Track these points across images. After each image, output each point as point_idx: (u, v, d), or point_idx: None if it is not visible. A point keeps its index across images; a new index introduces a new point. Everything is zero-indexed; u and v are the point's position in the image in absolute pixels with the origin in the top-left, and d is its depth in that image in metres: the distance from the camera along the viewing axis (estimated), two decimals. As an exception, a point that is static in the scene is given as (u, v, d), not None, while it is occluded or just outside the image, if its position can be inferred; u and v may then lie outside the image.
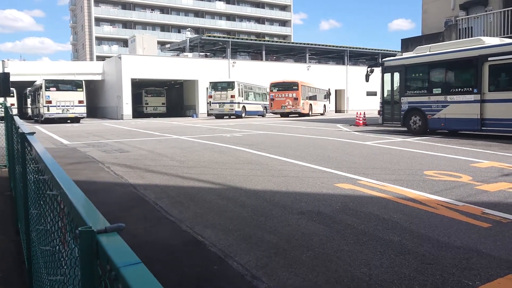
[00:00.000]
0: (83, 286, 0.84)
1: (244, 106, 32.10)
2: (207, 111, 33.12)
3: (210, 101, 31.87)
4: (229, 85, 31.41)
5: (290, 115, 33.35)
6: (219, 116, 32.20)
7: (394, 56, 16.78)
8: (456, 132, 14.63)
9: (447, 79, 14.05)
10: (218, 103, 31.37)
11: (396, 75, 15.67)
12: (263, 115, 35.77)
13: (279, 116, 33.98)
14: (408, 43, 21.33)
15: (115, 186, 6.59)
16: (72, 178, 5.63)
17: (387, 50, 49.98)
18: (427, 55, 14.47)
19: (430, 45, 15.13)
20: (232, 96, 30.89)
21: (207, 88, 33.32)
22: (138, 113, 38.59)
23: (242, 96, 31.91)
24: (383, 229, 4.24)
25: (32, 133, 2.44)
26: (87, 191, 6.24)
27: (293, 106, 32.13)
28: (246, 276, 3.24)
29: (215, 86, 31.86)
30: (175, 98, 44.54)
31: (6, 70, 11.25)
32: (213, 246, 3.86)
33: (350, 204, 5.17)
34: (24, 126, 3.08)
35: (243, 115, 31.97)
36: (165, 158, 9.27)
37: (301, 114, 32.79)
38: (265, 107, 36.21)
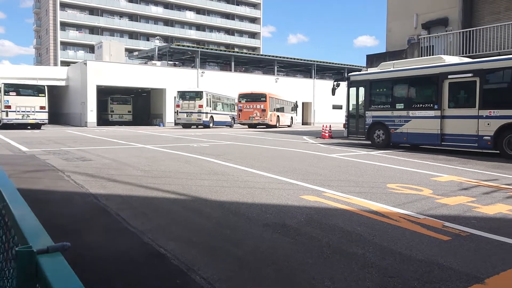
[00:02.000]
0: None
1: (212, 116, 32.01)
2: (175, 120, 32.78)
3: (177, 110, 31.58)
4: (197, 94, 31.28)
5: (257, 126, 33.48)
6: (187, 125, 31.94)
7: (360, 71, 17.20)
8: (418, 146, 15.08)
9: (409, 95, 14.50)
10: (186, 112, 31.14)
11: (361, 90, 16.04)
12: (231, 126, 35.78)
13: (247, 127, 34.05)
14: (373, 59, 21.97)
15: (74, 196, 6.34)
16: (29, 187, 5.38)
17: (353, 65, 51.27)
18: (391, 71, 14.91)
19: (394, 61, 15.62)
20: (200, 106, 30.75)
21: (174, 97, 33.01)
22: (103, 120, 37.70)
23: (210, 106, 31.81)
24: (347, 241, 4.26)
25: (-18, 140, 2.29)
26: (43, 201, 5.98)
27: (260, 117, 32.30)
28: (208, 290, 3.15)
29: (183, 95, 31.63)
30: (141, 106, 43.84)
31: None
32: (176, 259, 3.75)
33: (315, 216, 5.18)
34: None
35: (211, 125, 31.87)
36: (129, 168, 9.04)
37: (269, 126, 33.00)
38: (233, 118, 36.26)
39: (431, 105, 13.45)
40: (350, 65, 51.93)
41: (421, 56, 19.39)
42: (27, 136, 18.99)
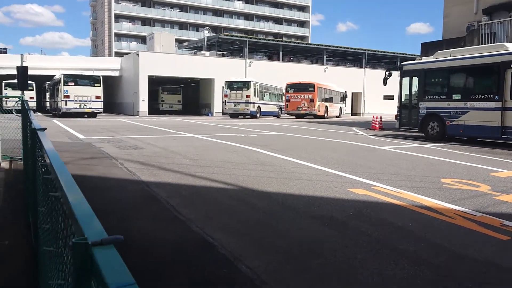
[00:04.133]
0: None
1: (259, 106, 32.01)
2: (222, 110, 33.15)
3: (225, 100, 31.86)
4: (245, 84, 31.34)
5: (305, 117, 33.16)
6: (234, 115, 32.18)
7: (413, 60, 16.51)
8: (475, 139, 14.31)
9: (467, 85, 13.76)
10: (233, 102, 31.33)
11: (415, 80, 15.43)
12: (278, 116, 35.64)
13: (294, 117, 33.82)
14: (428, 48, 20.99)
15: (127, 183, 6.59)
16: (85, 173, 5.65)
17: (406, 54, 49.36)
18: (448, 60, 14.19)
19: (451, 50, 14.84)
20: (248, 96, 30.81)
21: (223, 87, 33.34)
22: (154, 110, 38.84)
23: (257, 96, 31.82)
24: (398, 237, 4.13)
25: (43, 129, 2.41)
26: (98, 187, 6.26)
27: (308, 107, 31.94)
28: (255, 281, 3.17)
29: (230, 85, 31.83)
30: (191, 96, 44.72)
31: (24, 64, 11.39)
32: (223, 248, 3.80)
33: (364, 210, 5.06)
34: (37, 121, 3.06)
35: (258, 115, 31.89)
36: (178, 156, 9.26)
37: (317, 116, 32.57)
38: (280, 108, 36.08)
39: (492, 96, 12.68)
40: (402, 54, 50.02)
41: (482, 44, 18.26)
42: (83, 125, 19.98)
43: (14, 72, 15.72)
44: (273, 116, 35.20)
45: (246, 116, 31.79)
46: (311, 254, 3.70)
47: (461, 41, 19.63)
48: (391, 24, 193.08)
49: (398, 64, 17.09)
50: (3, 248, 3.85)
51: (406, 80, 15.82)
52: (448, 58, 14.28)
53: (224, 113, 33.24)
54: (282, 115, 36.15)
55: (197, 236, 4.17)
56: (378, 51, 50.62)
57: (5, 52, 45.01)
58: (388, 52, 51.50)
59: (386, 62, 54.47)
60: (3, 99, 8.31)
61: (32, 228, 3.13)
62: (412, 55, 45.17)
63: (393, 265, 3.45)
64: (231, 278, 3.25)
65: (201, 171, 7.54)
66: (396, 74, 16.77)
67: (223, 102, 32.47)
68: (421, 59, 16.04)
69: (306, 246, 3.91)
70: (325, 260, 3.56)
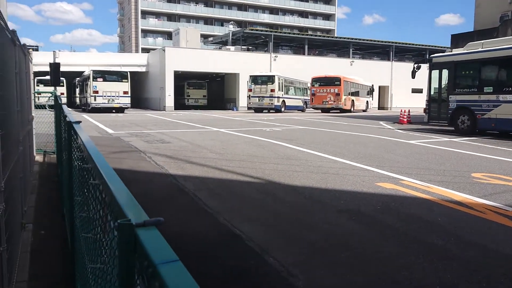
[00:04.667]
0: (121, 278, 0.83)
1: (283, 101, 31.91)
2: (247, 105, 33.22)
3: (249, 95, 31.90)
4: (269, 79, 31.28)
5: (331, 111, 32.87)
6: (258, 110, 32.17)
7: (443, 52, 16.10)
8: (508, 133, 13.87)
9: (500, 77, 13.33)
10: (258, 97, 31.33)
11: (445, 72, 15.05)
12: (302, 110, 35.45)
13: (320, 111, 33.57)
14: (458, 39, 20.43)
15: (155, 176, 6.73)
16: (115, 166, 5.79)
17: (435, 46, 48.09)
18: (480, 52, 13.78)
19: (483, 41, 14.40)
20: (272, 90, 30.74)
21: (247, 81, 33.39)
22: (179, 104, 39.28)
23: (282, 91, 31.71)
24: (426, 232, 4.07)
25: (78, 122, 2.51)
26: (128, 180, 6.41)
27: (334, 101, 31.62)
28: (282, 273, 3.20)
29: (255, 79, 31.83)
30: (216, 91, 44.99)
31: (56, 61, 11.74)
32: (250, 241, 3.85)
33: (391, 204, 5.01)
34: (71, 114, 3.17)
35: (283, 109, 31.79)
36: (205, 150, 9.37)
37: (343, 110, 32.23)
38: (305, 102, 35.87)
39: (525, 88, 12.25)
40: (431, 46, 48.74)
41: (515, 34, 17.64)
42: (112, 119, 20.43)
43: (46, 68, 16.20)
44: (298, 110, 35.06)
45: (271, 111, 31.74)
46: (338, 247, 3.70)
47: (494, 32, 19.00)
48: (419, 15, 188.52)
49: (427, 57, 16.70)
50: (39, 237, 4.02)
51: (435, 73, 15.45)
52: (480, 49, 13.86)
53: (248, 108, 33.31)
54: (307, 109, 35.94)
55: (225, 228, 4.23)
56: (406, 44, 49.52)
57: (37, 50, 46.38)
58: (416, 45, 50.32)
59: (415, 54, 53.23)
60: (36, 95, 8.62)
61: (67, 218, 3.26)
62: (441, 47, 43.95)
63: (422, 259, 3.42)
64: (258, 269, 3.29)
65: (228, 164, 7.61)
66: (425, 67, 16.40)
67: (247, 96, 32.52)
68: (451, 51, 15.62)
69: (333, 239, 3.92)
70: (352, 253, 3.56)
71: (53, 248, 3.77)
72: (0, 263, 2.13)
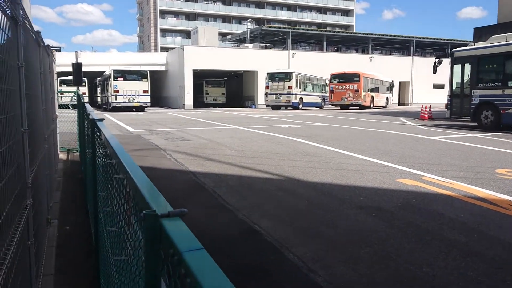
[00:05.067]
0: (147, 268, 0.85)
1: (301, 98, 31.63)
2: (264, 102, 33.13)
3: (267, 92, 31.73)
4: (287, 76, 31.03)
5: (350, 108, 32.58)
6: (276, 107, 31.99)
7: (465, 46, 15.76)
8: (533, 128, 13.52)
9: (525, 70, 12.98)
10: (275, 94, 31.11)
11: (467, 67, 14.74)
12: (321, 107, 35.14)
13: (339, 108, 33.32)
14: (481, 33, 19.96)
15: (176, 173, 6.81)
16: (137, 164, 5.87)
17: (457, 40, 47.10)
18: (504, 45, 13.45)
19: (507, 34, 14.03)
20: (289, 87, 30.47)
21: (265, 78, 33.31)
22: (198, 103, 39.55)
23: (299, 87, 31.45)
24: (449, 228, 4.02)
25: (101, 120, 2.56)
26: (150, 177, 6.49)
27: (353, 98, 31.33)
28: (302, 268, 3.21)
29: (272, 77, 31.61)
30: (234, 89, 45.12)
31: (78, 61, 11.97)
32: (269, 236, 3.87)
33: (412, 201, 4.95)
34: (94, 113, 3.24)
35: (300, 106, 31.57)
36: (224, 147, 9.43)
37: (362, 107, 31.91)
38: (323, 99, 35.56)
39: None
40: (453, 40, 47.76)
41: (541, 27, 17.13)
42: (132, 118, 20.72)
43: (68, 69, 16.53)
44: (316, 107, 34.80)
45: (288, 108, 31.60)
46: (358, 244, 3.68)
47: (518, 24, 18.48)
48: (440, 9, 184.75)
49: (449, 51, 16.36)
50: (64, 232, 4.13)
51: (457, 68, 15.14)
52: (504, 43, 13.53)
53: (266, 105, 33.22)
54: (325, 106, 35.67)
55: (244, 224, 4.26)
56: (427, 38, 48.65)
57: (59, 50, 47.34)
58: (437, 39, 49.38)
59: (436, 49, 52.24)
60: (58, 94, 8.85)
61: (91, 213, 3.34)
62: (463, 41, 43.02)
63: (444, 256, 3.38)
64: (278, 265, 3.31)
65: (247, 161, 7.64)
66: (446, 62, 16.09)
67: (264, 94, 32.42)
68: (474, 45, 15.28)
69: (353, 235, 3.90)
70: (372, 250, 3.54)
71: (77, 243, 3.87)
72: (28, 257, 2.20)
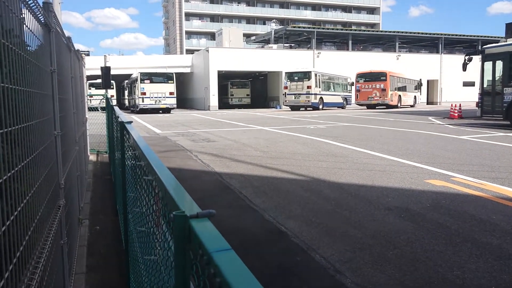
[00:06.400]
0: (176, 268, 0.87)
1: (321, 97, 30.48)
2: (283, 103, 32.51)
3: (285, 92, 30.86)
4: (306, 75, 29.97)
5: (377, 107, 32.09)
6: (295, 107, 30.92)
7: (496, 43, 15.29)
8: None
9: (561, 66, 12.48)
10: (294, 94, 30.12)
11: (499, 64, 14.29)
12: (342, 107, 33.87)
13: (365, 107, 32.85)
14: (513, 28, 19.27)
15: (202, 174, 6.88)
16: (164, 165, 5.97)
17: (487, 37, 45.73)
18: (537, 40, 12.97)
19: (541, 29, 13.54)
20: (309, 87, 29.40)
21: (283, 78, 32.85)
22: (223, 104, 39.81)
23: (319, 87, 30.38)
24: (480, 230, 3.91)
25: (130, 122, 2.62)
26: (177, 178, 6.59)
27: (380, 97, 30.83)
28: (329, 269, 3.19)
29: (290, 76, 30.73)
30: (259, 90, 45.19)
31: (107, 65, 12.26)
32: (295, 237, 3.86)
33: (442, 202, 4.84)
34: (123, 115, 3.32)
35: (320, 106, 30.42)
36: (249, 148, 9.46)
37: (389, 106, 31.34)
38: (345, 99, 34.49)
39: None
40: (483, 37, 46.38)
41: None
42: (159, 120, 21.05)
43: (97, 72, 16.97)
44: (338, 107, 33.60)
45: (308, 108, 30.77)
46: (386, 245, 3.63)
47: (553, 18, 17.77)
48: (469, 5, 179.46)
49: (479, 48, 15.91)
50: (95, 232, 4.23)
51: (488, 65, 14.70)
52: (538, 38, 13.05)
53: (285, 106, 32.55)
54: (351, 105, 34.96)
55: (270, 224, 4.27)
56: (456, 35, 47.41)
57: (88, 55, 48.58)
58: (467, 36, 48.04)
59: (465, 46, 50.82)
60: (88, 97, 9.12)
61: (120, 213, 3.41)
62: (494, 37, 41.73)
63: (475, 258, 3.29)
64: (305, 266, 3.30)
65: (272, 162, 7.65)
66: (476, 59, 15.65)
67: (283, 94, 31.75)
68: (506, 41, 14.80)
69: (380, 236, 3.85)
70: (401, 251, 3.48)
71: (107, 242, 3.96)
72: (61, 255, 2.28)
